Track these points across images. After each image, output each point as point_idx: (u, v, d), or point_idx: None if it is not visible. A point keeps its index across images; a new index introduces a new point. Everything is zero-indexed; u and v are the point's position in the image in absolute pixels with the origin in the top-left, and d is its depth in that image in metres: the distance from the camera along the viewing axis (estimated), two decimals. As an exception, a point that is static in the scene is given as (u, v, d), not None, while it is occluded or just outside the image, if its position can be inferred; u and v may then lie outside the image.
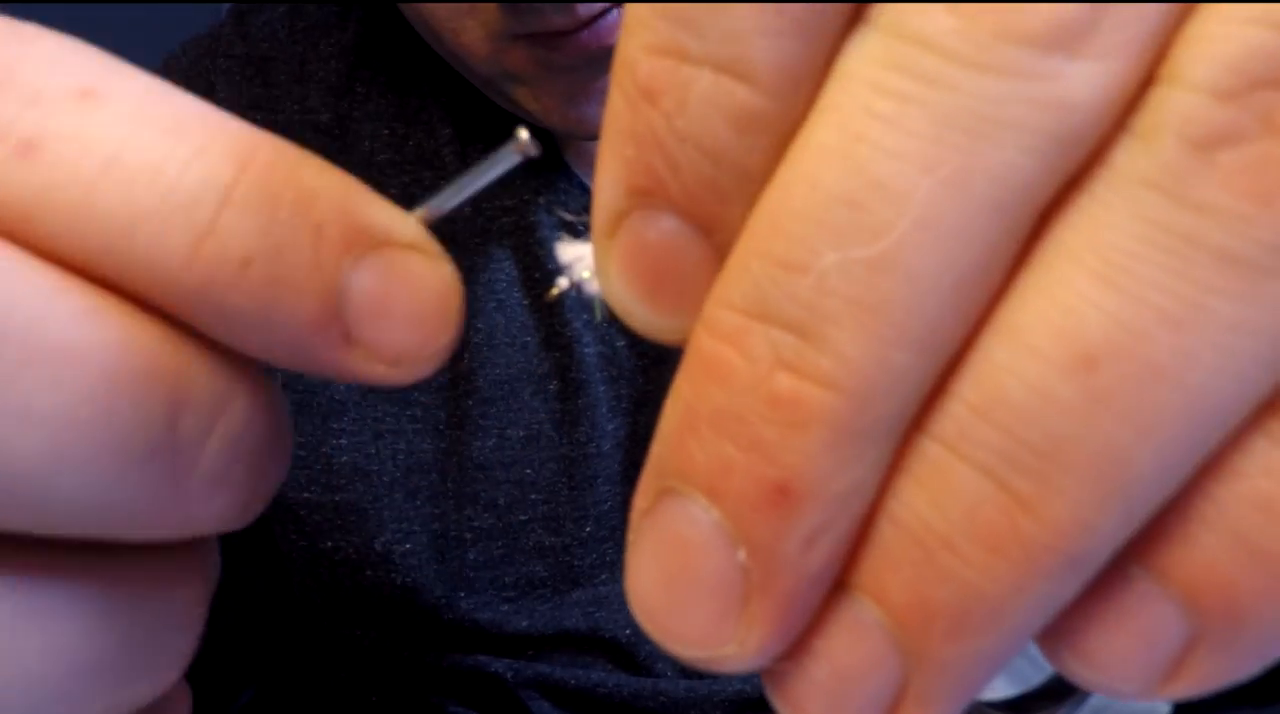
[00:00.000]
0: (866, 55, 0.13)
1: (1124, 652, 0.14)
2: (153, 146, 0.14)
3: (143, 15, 1.22)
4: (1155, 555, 0.13)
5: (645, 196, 0.14)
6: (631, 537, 0.15)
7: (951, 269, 0.13)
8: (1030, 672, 0.23)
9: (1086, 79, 0.12)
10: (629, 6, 0.14)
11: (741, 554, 0.14)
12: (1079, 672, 0.14)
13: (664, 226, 0.14)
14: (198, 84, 0.61)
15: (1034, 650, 0.18)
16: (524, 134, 0.17)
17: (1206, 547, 0.13)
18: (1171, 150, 0.12)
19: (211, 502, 0.16)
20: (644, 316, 0.15)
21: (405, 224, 0.16)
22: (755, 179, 0.14)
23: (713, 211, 0.14)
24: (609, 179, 0.14)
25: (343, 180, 0.16)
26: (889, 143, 0.12)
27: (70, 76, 0.15)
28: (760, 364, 0.13)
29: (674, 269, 0.14)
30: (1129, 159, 0.12)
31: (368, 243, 0.15)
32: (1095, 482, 0.12)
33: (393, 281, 0.16)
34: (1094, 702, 0.24)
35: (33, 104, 0.14)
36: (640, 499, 0.15)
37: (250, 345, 0.15)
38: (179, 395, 0.15)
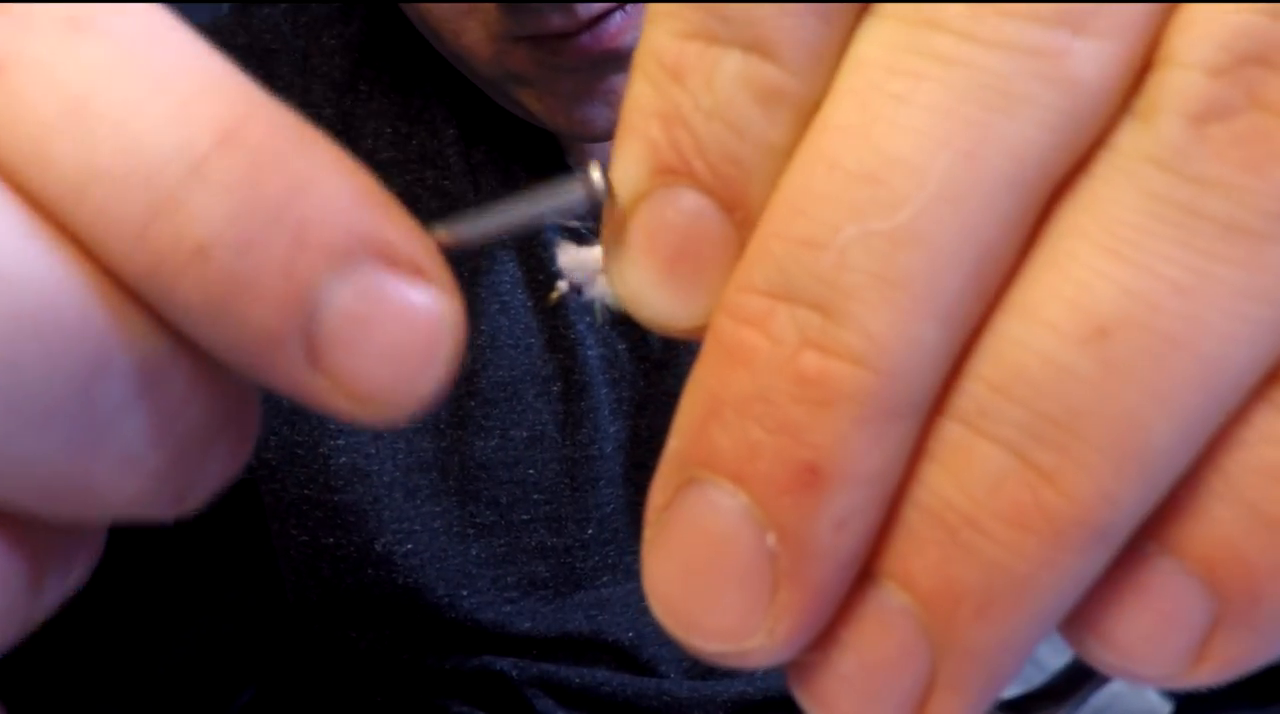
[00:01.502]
0: (880, 39, 0.13)
1: (1148, 634, 0.14)
2: (126, 96, 0.13)
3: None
4: (1170, 533, 0.13)
5: (670, 174, 0.14)
6: (649, 533, 0.15)
7: (972, 241, 0.13)
8: (1031, 671, 0.23)
9: (1093, 56, 0.12)
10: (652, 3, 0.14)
11: (771, 539, 0.14)
12: (1105, 658, 0.14)
13: (687, 204, 0.14)
14: None
15: (1035, 649, 0.18)
16: (596, 174, 0.15)
17: (1219, 520, 0.13)
18: (1169, 126, 0.12)
19: (123, 485, 0.14)
20: (658, 301, 0.15)
21: (409, 239, 0.14)
22: (777, 155, 0.14)
23: (736, 188, 0.14)
24: (631, 160, 0.14)
25: (348, 174, 0.14)
26: (905, 120, 0.13)
27: (64, 7, 0.13)
28: (786, 344, 0.13)
29: (695, 247, 0.14)
30: (1130, 138, 0.13)
31: (356, 254, 0.13)
32: (1115, 451, 0.13)
33: (375, 305, 0.13)
34: (1095, 701, 0.24)
35: (19, 27, 0.13)
36: (657, 495, 0.15)
37: (201, 341, 0.14)
38: (101, 359, 0.13)
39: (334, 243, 0.13)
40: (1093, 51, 0.12)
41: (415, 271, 0.14)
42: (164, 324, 0.14)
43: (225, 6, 0.66)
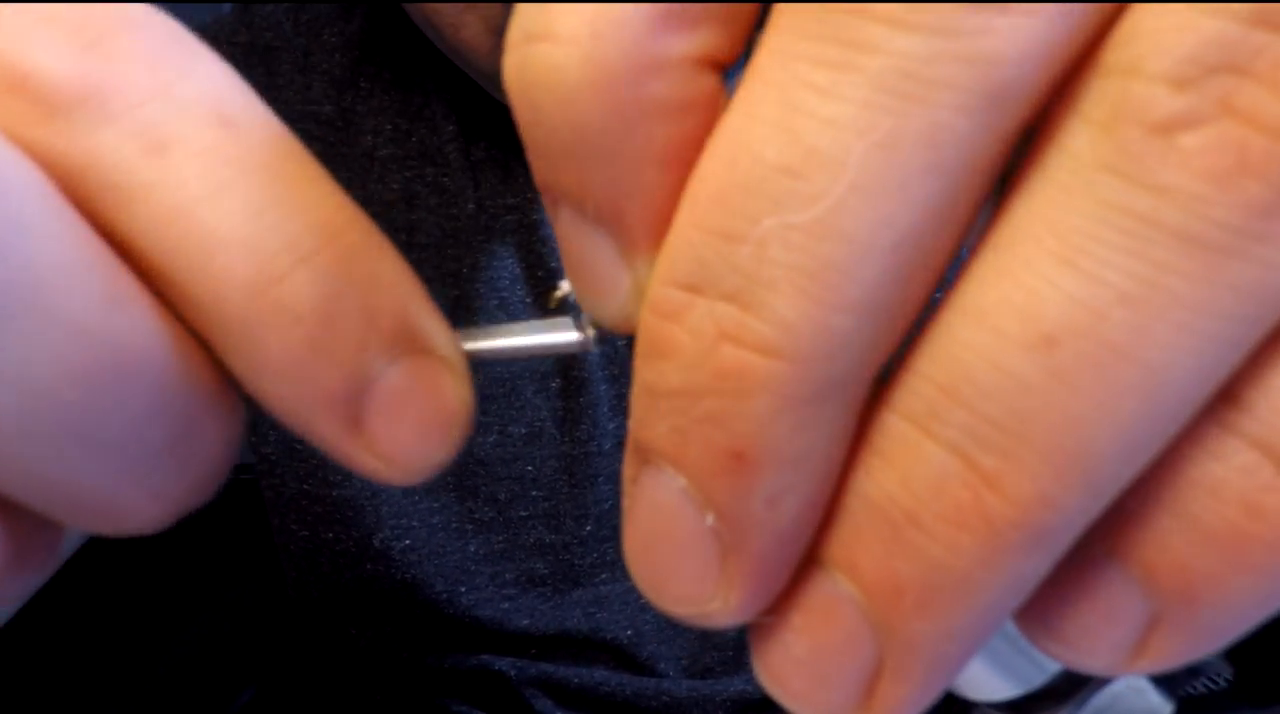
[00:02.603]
0: (798, 28, 0.13)
1: (1092, 631, 0.14)
2: (265, 186, 0.15)
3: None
4: (1117, 538, 0.14)
5: (554, 194, 0.15)
6: (625, 503, 0.16)
7: (888, 230, 0.13)
8: (1031, 672, 0.23)
9: (1015, 32, 0.12)
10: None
11: (710, 518, 0.14)
12: (1052, 649, 0.15)
13: (564, 219, 0.15)
14: None
15: (1035, 651, 0.18)
16: (592, 332, 0.18)
17: (1163, 530, 0.13)
18: (1130, 136, 0.12)
19: (141, 513, 0.16)
20: (584, 305, 0.16)
21: (447, 339, 0.17)
22: (670, 164, 0.14)
23: (607, 205, 0.15)
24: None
25: (411, 281, 0.17)
26: (825, 111, 0.13)
27: (218, 102, 0.16)
28: (704, 338, 0.14)
29: (580, 259, 0.15)
30: (1089, 147, 0.12)
31: (411, 345, 0.16)
32: (1058, 458, 0.13)
33: (418, 386, 0.16)
34: (1096, 702, 0.24)
35: (179, 116, 0.15)
36: (627, 468, 0.15)
37: (259, 390, 0.16)
38: (165, 404, 0.15)
39: (396, 330, 0.16)
40: (1012, 28, 0.12)
41: (448, 364, 0.17)
42: (228, 376, 0.16)
43: (226, 5, 0.66)
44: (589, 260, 0.15)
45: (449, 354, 0.17)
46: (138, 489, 0.16)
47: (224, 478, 0.17)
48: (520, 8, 0.14)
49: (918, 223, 0.13)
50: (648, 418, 0.14)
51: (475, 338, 0.18)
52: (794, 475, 0.14)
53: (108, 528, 0.16)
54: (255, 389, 0.16)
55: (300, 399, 0.16)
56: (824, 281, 0.13)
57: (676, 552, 0.15)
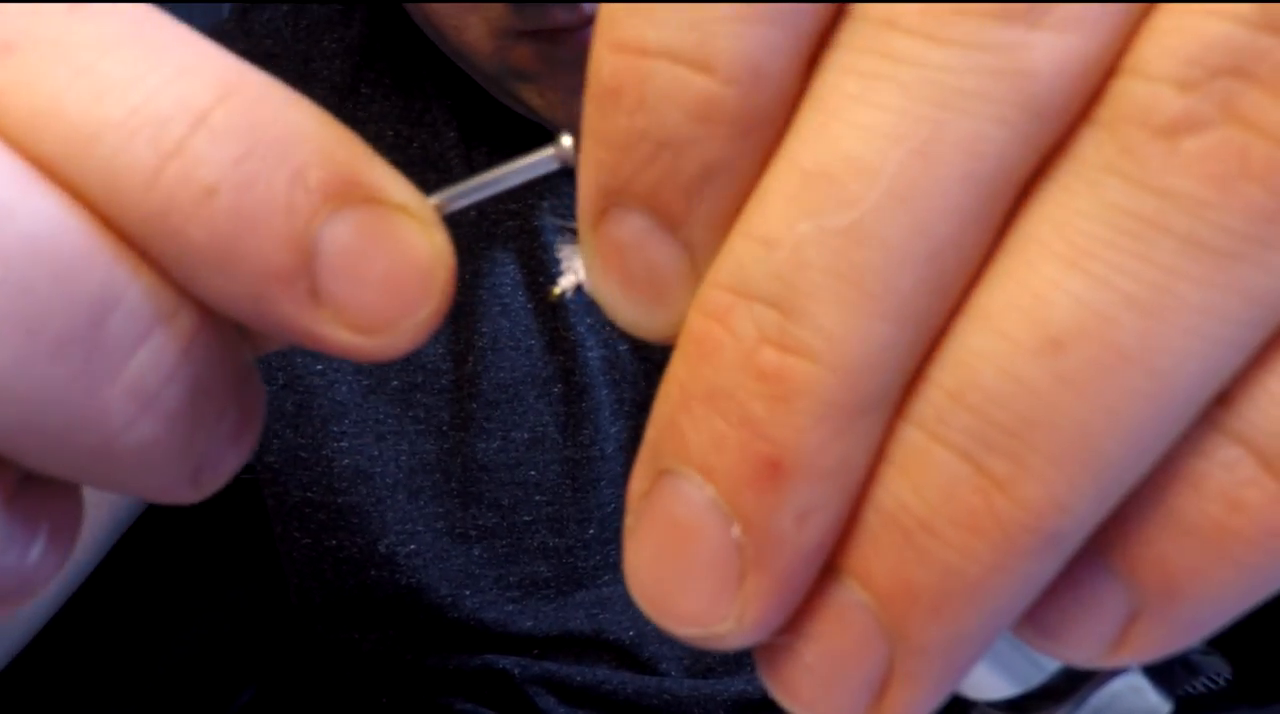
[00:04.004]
0: (842, 43, 0.13)
1: (1073, 623, 0.14)
2: (132, 61, 0.14)
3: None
4: (1100, 533, 0.14)
5: (615, 196, 0.14)
6: (630, 520, 0.15)
7: (926, 239, 0.13)
8: (1030, 672, 0.23)
9: (1048, 50, 0.12)
10: (602, 5, 0.14)
11: (736, 530, 0.14)
12: (1035, 641, 0.15)
13: (632, 225, 0.14)
14: None
15: (1034, 651, 0.18)
16: (566, 140, 0.16)
17: (1145, 525, 0.13)
18: (1135, 138, 0.12)
19: (135, 425, 0.15)
20: (626, 314, 0.15)
21: (400, 186, 0.15)
22: (718, 171, 0.14)
23: (676, 207, 0.14)
24: (586, 181, 0.15)
25: (338, 130, 0.15)
26: (860, 119, 0.13)
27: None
28: (746, 340, 0.13)
29: (644, 267, 0.15)
30: (1094, 148, 0.13)
31: (352, 195, 0.14)
32: (1066, 461, 0.13)
33: (372, 240, 0.15)
34: (1095, 701, 0.25)
35: (21, 10, 0.14)
36: (637, 482, 0.15)
37: (209, 290, 0.15)
38: (110, 292, 0.14)
39: (331, 183, 0.14)
40: (1048, 45, 0.12)
41: (405, 210, 0.15)
42: (169, 275, 0.15)
43: (225, 9, 0.66)
44: (656, 267, 0.15)
45: (405, 200, 0.15)
46: (114, 392, 0.14)
47: (244, 427, 0.16)
48: (655, 17, 0.13)
49: (954, 232, 0.13)
50: (677, 422, 0.14)
51: (446, 195, 0.16)
52: (826, 490, 0.14)
53: (111, 463, 0.15)
54: (197, 288, 0.15)
55: (243, 284, 0.14)
56: (862, 288, 0.13)
57: (691, 567, 0.14)
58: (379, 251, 0.15)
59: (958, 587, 0.13)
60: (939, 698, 0.15)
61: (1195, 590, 0.13)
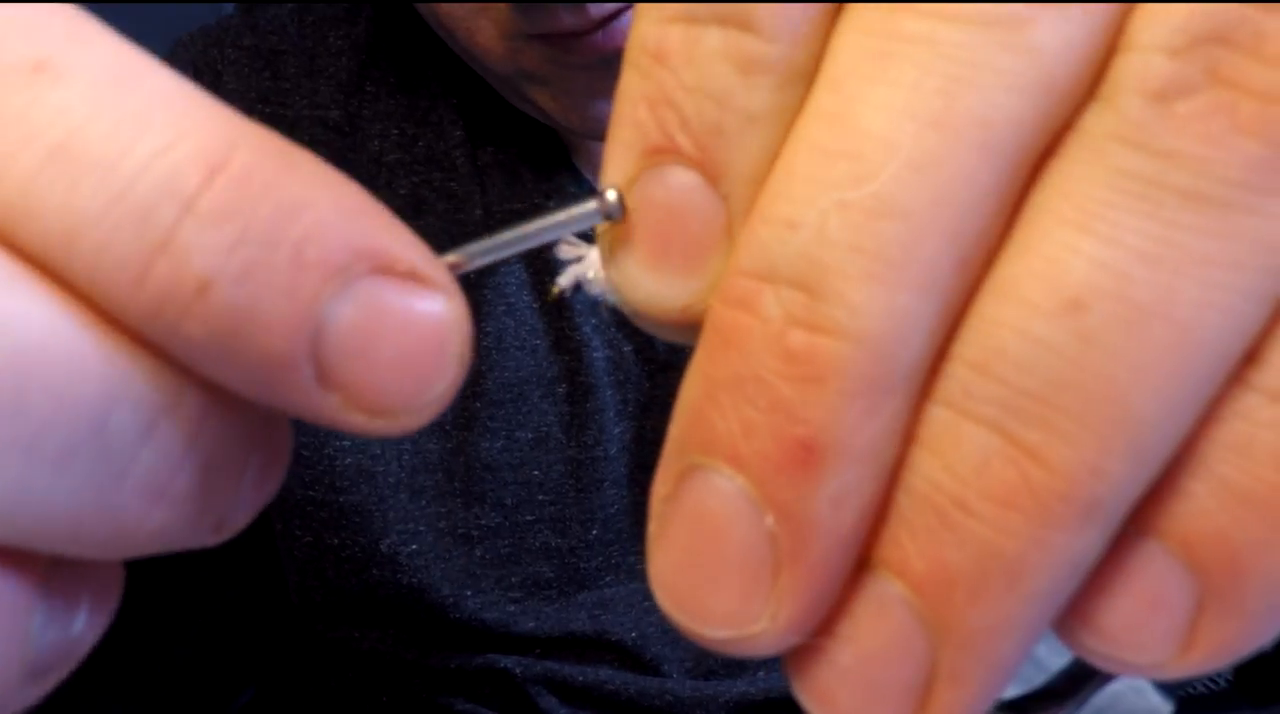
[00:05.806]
0: (851, 26, 0.14)
1: (1135, 620, 0.14)
2: (108, 137, 0.13)
3: (145, 13, 1.22)
4: (1148, 514, 0.13)
5: (657, 154, 0.15)
6: (654, 525, 0.15)
7: (944, 208, 0.13)
8: (1031, 671, 0.23)
9: (1055, 27, 0.13)
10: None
11: (769, 520, 0.14)
12: (1095, 648, 0.14)
13: (674, 180, 0.15)
14: (205, 74, 0.61)
15: (1035, 650, 0.18)
16: (612, 195, 0.15)
17: (1195, 497, 0.13)
18: (1132, 105, 0.13)
19: (151, 514, 0.14)
20: (650, 283, 0.15)
21: (408, 247, 0.14)
22: (760, 123, 0.14)
23: (720, 158, 0.14)
24: (621, 147, 0.15)
25: (338, 190, 0.14)
26: (875, 97, 0.13)
27: (26, 45, 0.13)
28: (773, 323, 0.13)
29: (683, 223, 0.15)
30: (1095, 119, 0.13)
31: (354, 269, 0.13)
32: (1098, 423, 0.13)
33: (379, 317, 0.13)
34: (1096, 701, 0.25)
35: None
36: (660, 485, 0.15)
37: (211, 375, 0.14)
38: (109, 393, 0.13)
39: (331, 259, 0.13)
40: (1055, 23, 0.13)
41: (415, 278, 0.14)
42: (171, 359, 0.14)
43: (229, 6, 0.66)
44: (693, 225, 0.15)
45: (411, 265, 0.14)
46: (125, 491, 0.14)
47: (268, 469, 0.15)
48: None
49: (972, 202, 0.13)
50: (704, 414, 0.14)
51: (471, 250, 0.15)
52: (860, 472, 0.13)
53: (126, 544, 0.14)
54: (207, 376, 0.14)
55: (246, 372, 0.13)
56: (885, 259, 0.13)
57: (722, 566, 0.14)
58: (387, 329, 0.14)
59: (997, 566, 0.13)
60: (989, 696, 0.14)
61: (1262, 564, 0.13)
